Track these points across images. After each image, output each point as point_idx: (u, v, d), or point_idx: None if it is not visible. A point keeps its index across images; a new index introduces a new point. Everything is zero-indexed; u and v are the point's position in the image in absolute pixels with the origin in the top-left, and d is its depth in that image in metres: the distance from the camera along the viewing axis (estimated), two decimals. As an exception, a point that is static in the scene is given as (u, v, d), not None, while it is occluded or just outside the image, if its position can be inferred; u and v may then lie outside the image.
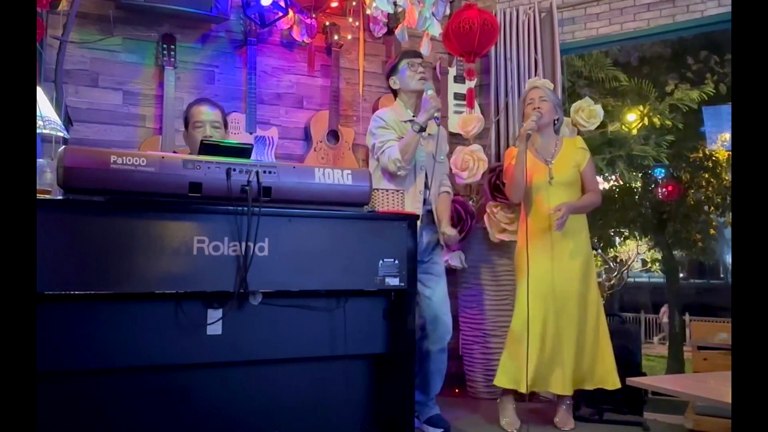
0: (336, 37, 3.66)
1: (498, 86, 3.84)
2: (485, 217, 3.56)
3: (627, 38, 3.82)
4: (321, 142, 3.59)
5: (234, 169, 1.93)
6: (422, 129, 2.75)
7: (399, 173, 2.77)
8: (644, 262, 11.92)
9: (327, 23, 3.68)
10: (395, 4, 3.36)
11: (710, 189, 8.36)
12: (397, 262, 2.21)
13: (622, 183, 8.46)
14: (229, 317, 2.01)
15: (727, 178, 8.02)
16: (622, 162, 6.67)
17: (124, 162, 1.81)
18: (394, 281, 2.21)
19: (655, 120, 6.46)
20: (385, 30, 3.80)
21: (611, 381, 2.89)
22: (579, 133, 3.50)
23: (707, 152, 8.23)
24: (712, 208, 8.60)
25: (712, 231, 9.42)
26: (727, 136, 7.58)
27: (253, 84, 3.44)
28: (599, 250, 3.58)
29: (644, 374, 3.28)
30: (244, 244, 1.94)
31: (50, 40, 3.05)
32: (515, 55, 3.79)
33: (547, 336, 2.87)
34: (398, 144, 2.76)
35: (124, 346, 1.91)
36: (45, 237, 1.71)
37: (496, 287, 3.61)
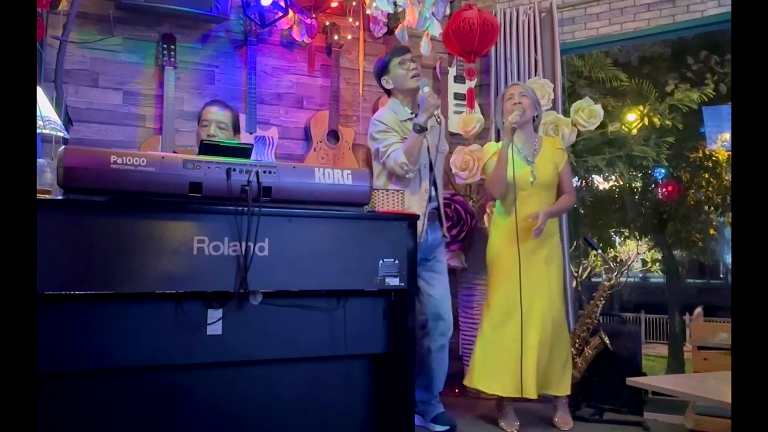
0: (336, 37, 3.66)
1: (498, 86, 3.84)
2: (485, 217, 3.56)
3: (627, 38, 3.82)
4: (321, 142, 3.59)
5: (234, 169, 1.93)
6: (423, 129, 2.73)
7: (408, 176, 2.77)
8: (644, 262, 11.91)
9: (327, 23, 3.68)
10: (395, 4, 3.36)
11: (710, 189, 8.36)
12: (397, 262, 2.21)
13: (622, 183, 8.45)
14: (229, 317, 2.02)
15: (727, 178, 8.02)
16: (622, 162, 6.66)
17: (124, 162, 1.81)
18: (394, 281, 2.21)
19: (655, 120, 6.45)
20: (385, 30, 3.80)
21: (563, 388, 2.92)
22: (579, 133, 3.50)
23: (707, 152, 8.22)
24: (712, 208, 8.59)
25: (712, 231, 9.42)
26: (727, 136, 7.58)
27: (253, 84, 3.44)
28: (599, 251, 3.56)
29: (644, 374, 3.28)
30: (244, 244, 1.94)
31: (50, 40, 3.05)
32: (515, 55, 3.79)
33: (525, 340, 2.84)
34: (402, 147, 2.74)
35: (124, 346, 1.91)
36: (45, 237, 1.71)
37: (496, 287, 3.60)
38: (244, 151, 2.10)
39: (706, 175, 8.34)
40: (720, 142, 7.86)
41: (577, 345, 3.19)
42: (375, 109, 3.73)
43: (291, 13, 3.48)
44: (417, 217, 2.36)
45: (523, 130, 2.96)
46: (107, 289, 1.84)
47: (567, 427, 2.95)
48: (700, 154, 8.31)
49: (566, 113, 3.61)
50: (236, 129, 2.71)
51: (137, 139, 3.26)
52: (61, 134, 2.50)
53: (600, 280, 3.50)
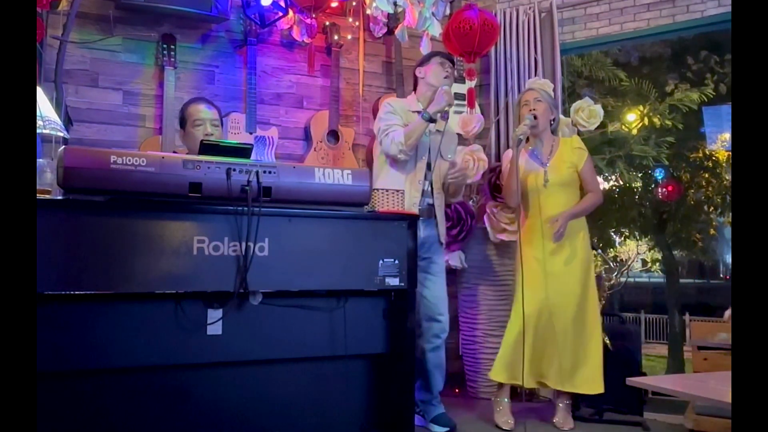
0: (336, 37, 3.66)
1: (498, 86, 3.84)
2: (485, 217, 3.57)
3: (627, 38, 3.82)
4: (321, 142, 3.59)
5: (234, 169, 1.93)
6: (431, 119, 2.77)
7: (399, 156, 2.79)
8: (644, 262, 11.91)
9: (327, 23, 3.68)
10: (395, 4, 3.36)
11: (710, 189, 8.36)
12: (397, 262, 2.21)
13: (622, 183, 8.45)
14: (229, 317, 2.02)
15: (727, 178, 8.02)
16: (622, 162, 6.66)
17: (124, 162, 1.81)
18: (394, 281, 2.21)
19: (655, 120, 6.45)
20: (385, 30, 3.80)
21: (596, 386, 2.90)
22: (579, 133, 3.49)
23: (707, 152, 8.22)
24: (712, 208, 8.59)
25: (712, 231, 9.42)
26: (727, 136, 7.58)
27: (253, 84, 3.44)
28: (599, 250, 3.57)
29: (644, 374, 3.28)
30: (244, 244, 1.94)
31: (50, 40, 3.05)
32: (515, 55, 3.79)
33: (545, 336, 2.89)
34: (404, 129, 2.79)
35: (125, 346, 1.91)
36: (45, 237, 1.71)
37: (496, 287, 3.60)
38: (244, 151, 2.10)
39: (706, 175, 8.34)
40: (720, 142, 7.87)
41: (577, 345, 3.19)
42: (375, 109, 3.73)
43: (291, 13, 3.48)
44: (417, 216, 2.36)
45: (540, 135, 3.00)
46: (107, 289, 1.84)
47: (567, 427, 2.95)
48: (700, 154, 8.31)
49: (566, 113, 3.60)
50: (222, 126, 2.72)
51: (137, 139, 3.26)
52: (61, 134, 2.50)
53: (600, 280, 3.50)
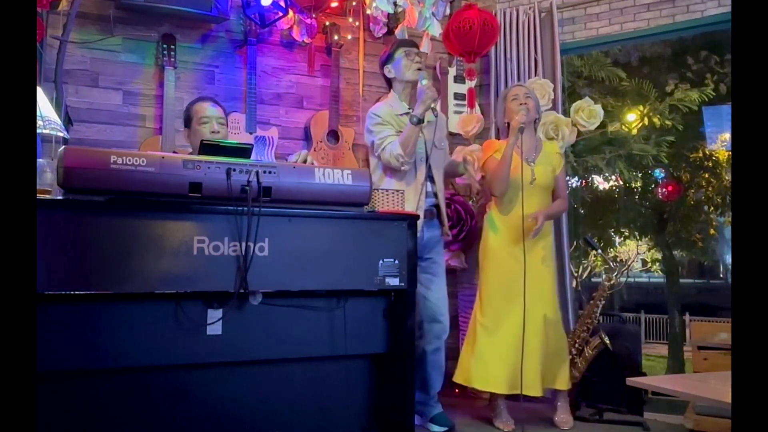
0: (336, 37, 3.66)
1: (498, 86, 3.84)
2: (485, 217, 3.56)
3: (627, 38, 3.82)
4: (321, 142, 3.59)
5: (234, 169, 1.93)
6: (420, 121, 2.73)
7: (403, 168, 2.78)
8: (644, 262, 11.92)
9: (327, 23, 3.68)
10: (395, 4, 3.36)
11: (710, 189, 8.35)
12: (397, 262, 2.21)
13: (622, 183, 8.45)
14: (229, 317, 2.02)
15: (727, 178, 8.02)
16: (622, 162, 6.66)
17: (124, 162, 1.81)
18: (394, 281, 2.21)
19: (655, 120, 6.45)
20: (385, 30, 3.80)
21: (561, 382, 2.96)
22: (579, 133, 3.50)
23: (707, 152, 8.22)
24: (712, 208, 8.59)
25: (712, 231, 9.41)
26: (727, 136, 7.57)
27: (253, 84, 3.44)
28: (599, 251, 3.56)
29: (644, 374, 3.28)
30: (244, 244, 1.94)
31: (50, 40, 3.05)
32: (515, 55, 3.79)
33: (524, 339, 2.86)
34: (398, 139, 2.76)
35: (125, 346, 1.91)
36: (45, 237, 1.71)
37: (496, 287, 3.60)
38: (244, 151, 2.10)
39: (706, 175, 8.34)
40: (720, 142, 7.86)
41: (577, 345, 3.19)
42: (375, 109, 3.73)
43: (291, 13, 3.48)
44: (417, 216, 2.36)
45: (526, 131, 2.98)
46: (107, 289, 1.84)
47: (567, 427, 2.95)
48: (700, 154, 8.31)
49: (566, 113, 3.60)
50: (226, 125, 2.71)
51: (137, 139, 3.26)
52: (61, 134, 2.50)
53: (600, 280, 3.50)
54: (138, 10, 3.20)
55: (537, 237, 2.90)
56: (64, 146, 1.86)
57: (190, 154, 2.43)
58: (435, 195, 2.91)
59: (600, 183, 8.43)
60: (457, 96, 3.91)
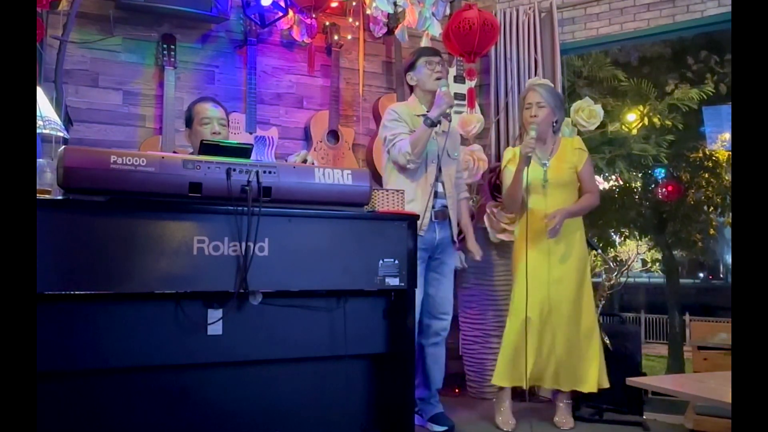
0: (336, 37, 3.66)
1: (498, 86, 3.84)
2: (485, 217, 3.56)
3: (627, 38, 3.82)
4: (321, 142, 3.59)
5: (234, 169, 1.93)
6: (434, 124, 2.77)
7: (409, 166, 2.80)
8: (644, 262, 11.92)
9: (327, 23, 3.68)
10: (395, 4, 3.36)
11: (710, 189, 8.35)
12: (397, 262, 2.21)
13: (622, 183, 8.45)
14: (229, 317, 2.02)
15: (727, 178, 8.01)
16: (622, 162, 6.67)
17: (124, 162, 1.81)
18: (394, 281, 2.21)
19: (655, 120, 6.45)
20: (385, 30, 3.80)
21: (600, 382, 2.92)
22: (579, 133, 3.49)
23: (707, 152, 8.22)
24: (712, 208, 8.59)
25: (712, 231, 9.41)
26: (727, 136, 7.57)
27: (253, 84, 3.44)
28: (599, 250, 3.56)
29: (644, 374, 3.28)
30: (244, 244, 1.94)
31: (50, 40, 3.05)
32: (515, 55, 3.79)
33: (544, 335, 2.89)
34: (409, 137, 2.79)
35: (125, 346, 1.91)
36: (45, 237, 1.71)
37: (496, 287, 3.60)
38: (244, 151, 2.10)
39: (706, 175, 8.33)
40: (720, 142, 7.86)
41: (577, 345, 3.19)
42: (375, 109, 3.73)
43: (291, 13, 3.48)
44: (417, 216, 2.36)
45: (541, 136, 2.95)
46: (107, 289, 1.84)
47: (567, 427, 2.95)
48: (700, 154, 8.31)
49: (566, 113, 3.60)
50: (228, 126, 2.71)
51: (137, 139, 3.26)
52: (61, 134, 2.50)
53: (600, 280, 3.50)
54: (138, 10, 3.20)
55: (560, 236, 2.87)
56: (64, 146, 1.86)
57: (191, 154, 2.43)
58: (445, 196, 2.93)
59: (600, 183, 8.43)
60: (457, 96, 3.90)
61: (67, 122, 3.00)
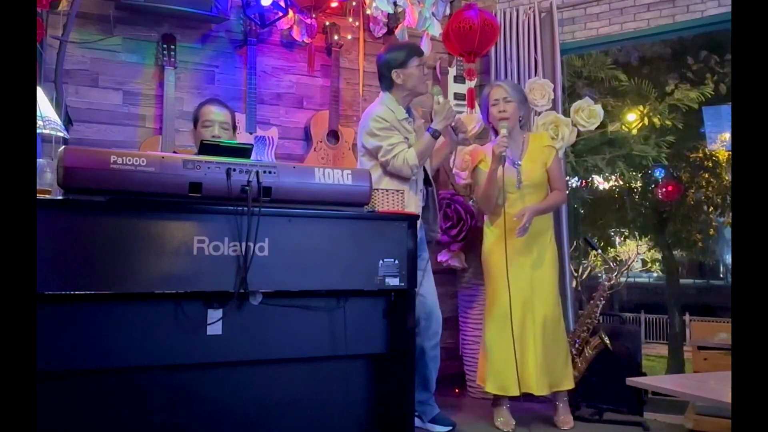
0: (336, 37, 3.66)
1: (498, 86, 3.84)
2: (485, 217, 3.56)
3: (627, 38, 3.82)
4: (321, 142, 3.59)
5: (234, 169, 1.93)
6: (439, 135, 2.81)
7: (411, 176, 2.81)
8: (644, 262, 11.92)
9: (327, 23, 3.68)
10: (395, 4, 3.36)
11: (710, 189, 8.36)
12: (397, 262, 2.21)
13: (622, 183, 8.46)
14: (229, 317, 2.02)
15: (727, 178, 8.02)
16: (622, 162, 6.67)
17: (124, 162, 1.81)
18: (394, 281, 2.21)
19: (655, 120, 6.46)
20: (385, 30, 3.80)
21: (567, 382, 2.95)
22: (579, 133, 3.49)
23: (707, 152, 8.22)
24: (712, 208, 8.59)
25: (712, 231, 9.42)
26: (727, 136, 7.58)
27: (253, 84, 3.44)
28: (599, 250, 3.56)
29: (644, 374, 3.28)
30: (244, 244, 1.94)
31: (50, 40, 3.05)
32: (515, 55, 3.79)
33: (525, 341, 2.89)
34: (415, 149, 2.78)
35: (124, 346, 1.91)
36: (45, 237, 1.71)
37: (496, 287, 3.60)
38: (244, 151, 2.10)
39: (706, 175, 8.35)
40: (720, 142, 7.86)
41: (577, 345, 3.19)
42: (375, 109, 3.72)
43: (291, 13, 3.48)
44: (417, 216, 2.36)
45: (510, 133, 2.90)
46: (107, 289, 1.84)
47: (567, 427, 2.95)
48: (700, 154, 8.31)
49: (566, 113, 3.60)
50: (234, 128, 2.71)
51: (137, 139, 3.26)
52: (61, 134, 2.50)
53: (600, 280, 3.50)
54: (138, 10, 3.20)
55: (530, 236, 2.85)
56: (64, 146, 1.86)
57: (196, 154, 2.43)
58: (425, 192, 2.95)
59: (600, 183, 8.43)
60: (457, 96, 3.91)
61: (67, 122, 3.00)
